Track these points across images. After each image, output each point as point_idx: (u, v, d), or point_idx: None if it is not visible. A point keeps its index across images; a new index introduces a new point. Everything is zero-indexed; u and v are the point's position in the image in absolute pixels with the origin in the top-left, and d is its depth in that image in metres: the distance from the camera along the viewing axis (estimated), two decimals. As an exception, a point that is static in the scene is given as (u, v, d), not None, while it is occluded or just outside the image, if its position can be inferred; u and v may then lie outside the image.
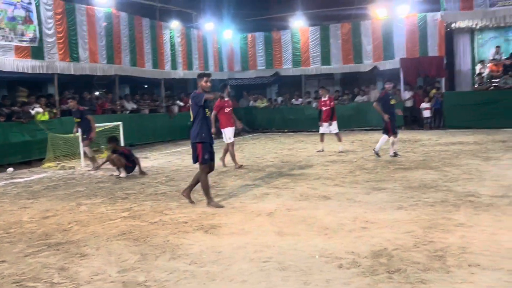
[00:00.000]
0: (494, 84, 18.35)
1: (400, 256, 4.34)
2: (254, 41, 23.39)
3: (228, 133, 10.65)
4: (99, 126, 13.59)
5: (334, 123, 12.86)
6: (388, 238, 4.88)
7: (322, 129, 13.04)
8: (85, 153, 11.94)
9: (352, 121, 20.09)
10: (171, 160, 12.89)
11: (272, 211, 6.36)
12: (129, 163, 10.27)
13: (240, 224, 5.75)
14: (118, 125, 13.39)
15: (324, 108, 12.91)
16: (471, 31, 20.46)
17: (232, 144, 10.78)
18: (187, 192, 7.14)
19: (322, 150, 13.00)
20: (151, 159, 13.33)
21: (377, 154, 11.47)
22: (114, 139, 10.66)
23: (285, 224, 5.65)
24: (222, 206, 6.77)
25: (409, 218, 5.65)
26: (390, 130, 11.36)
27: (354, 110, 20.48)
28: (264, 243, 4.93)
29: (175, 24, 20.04)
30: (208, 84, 6.82)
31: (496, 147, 12.28)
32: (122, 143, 12.49)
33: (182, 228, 5.68)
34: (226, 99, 10.63)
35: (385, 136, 11.49)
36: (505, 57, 19.11)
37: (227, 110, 10.60)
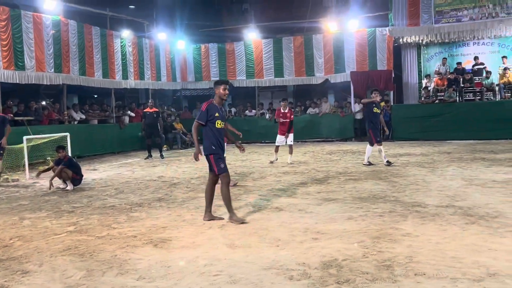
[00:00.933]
0: (439, 98, 19.10)
1: (349, 267, 4.38)
2: (208, 52, 23.32)
3: None
4: (46, 136, 13.17)
5: (291, 135, 12.95)
6: (338, 249, 4.93)
7: (278, 141, 13.09)
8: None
9: (305, 133, 20.34)
10: (121, 172, 12.59)
11: (224, 223, 6.30)
12: (76, 176, 9.98)
13: (190, 237, 5.66)
14: (65, 136, 12.95)
15: (282, 120, 12.94)
16: (418, 46, 21.30)
17: None
18: (209, 215, 6.55)
19: (276, 160, 13.08)
20: (100, 171, 12.97)
21: (369, 163, 11.78)
22: (62, 148, 10.31)
23: (236, 237, 5.60)
24: (245, 222, 6.29)
25: (358, 229, 5.74)
26: (373, 139, 11.66)
27: (307, 122, 20.76)
28: (215, 256, 4.86)
29: (126, 33, 19.65)
30: (227, 92, 6.51)
31: (441, 158, 12.74)
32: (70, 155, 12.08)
33: (131, 243, 5.53)
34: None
35: (369, 147, 11.85)
36: (450, 72, 19.94)
37: None
